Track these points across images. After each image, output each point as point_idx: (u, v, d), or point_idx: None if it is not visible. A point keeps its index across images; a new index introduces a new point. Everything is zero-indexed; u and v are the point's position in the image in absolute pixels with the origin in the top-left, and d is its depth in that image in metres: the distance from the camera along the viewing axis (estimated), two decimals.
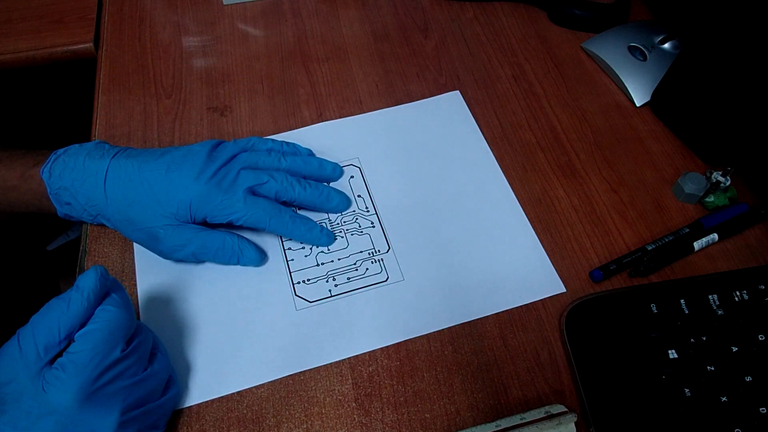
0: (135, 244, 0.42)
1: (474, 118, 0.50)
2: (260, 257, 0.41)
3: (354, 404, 0.37)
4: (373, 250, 0.43)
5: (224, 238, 0.40)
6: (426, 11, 0.58)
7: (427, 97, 0.51)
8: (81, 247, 0.43)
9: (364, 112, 0.50)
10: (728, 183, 0.45)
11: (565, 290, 0.41)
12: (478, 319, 0.40)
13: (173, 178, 0.38)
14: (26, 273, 0.62)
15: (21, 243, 0.79)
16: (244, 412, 0.36)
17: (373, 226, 0.44)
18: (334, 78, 0.53)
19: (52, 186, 0.39)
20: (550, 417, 0.34)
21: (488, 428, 0.34)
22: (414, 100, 0.51)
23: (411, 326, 0.39)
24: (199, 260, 0.41)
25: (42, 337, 0.30)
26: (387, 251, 0.43)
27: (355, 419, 0.36)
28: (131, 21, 0.57)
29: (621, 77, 0.52)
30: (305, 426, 0.36)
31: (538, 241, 0.43)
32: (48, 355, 0.29)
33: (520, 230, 0.44)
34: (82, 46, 0.55)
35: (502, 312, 0.40)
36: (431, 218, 0.44)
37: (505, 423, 0.34)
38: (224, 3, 0.58)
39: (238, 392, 0.37)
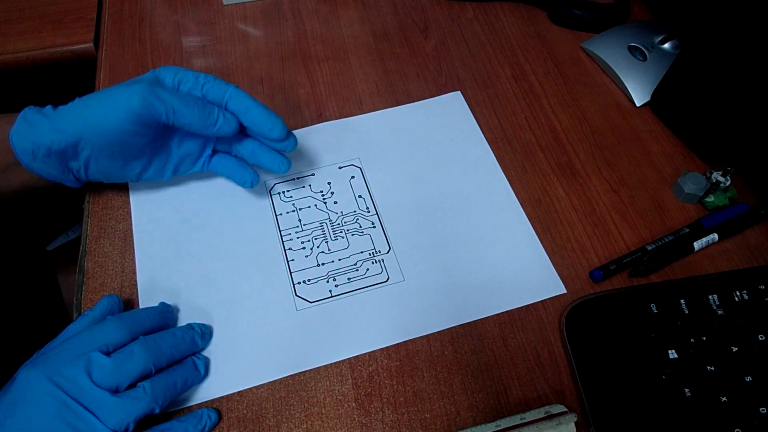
0: (135, 245, 0.42)
1: (474, 118, 0.50)
2: (237, 124, 0.39)
3: (354, 404, 0.37)
4: (374, 251, 0.43)
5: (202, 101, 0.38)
6: (426, 11, 0.58)
7: (427, 97, 0.51)
8: (81, 248, 0.43)
9: (364, 112, 0.50)
10: (728, 183, 0.45)
11: (565, 291, 0.41)
12: (478, 320, 0.40)
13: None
14: (26, 273, 0.62)
15: (21, 243, 0.79)
16: (244, 412, 0.36)
17: (374, 227, 0.44)
18: (334, 78, 0.53)
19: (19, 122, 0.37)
20: (550, 417, 0.34)
21: (488, 428, 0.34)
22: (414, 100, 0.51)
23: (411, 327, 0.39)
24: (174, 120, 0.37)
25: None
26: (387, 252, 0.43)
27: (355, 419, 0.36)
28: (131, 21, 0.57)
29: (621, 77, 0.52)
30: (305, 426, 0.36)
31: (539, 242, 0.43)
32: None
33: (521, 231, 0.44)
34: (82, 46, 0.55)
35: (503, 312, 0.40)
36: (432, 219, 0.44)
37: (505, 423, 0.34)
38: (224, 3, 0.58)
39: (238, 392, 0.37)
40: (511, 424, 0.34)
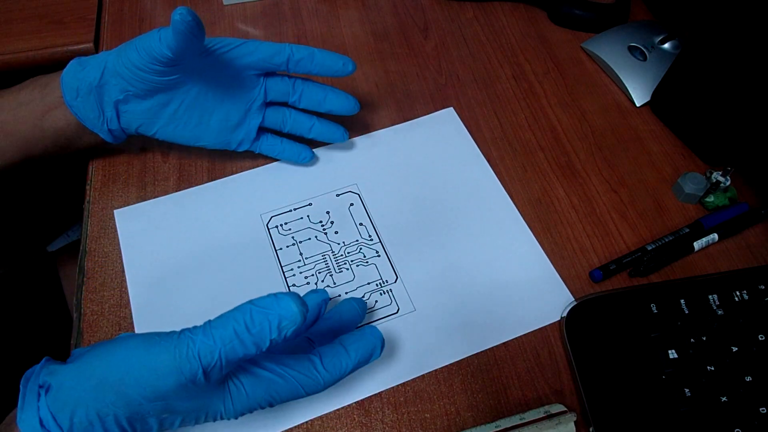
0: (128, 278, 0.41)
1: (474, 119, 0.50)
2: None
3: (354, 404, 0.37)
4: (381, 281, 0.41)
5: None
6: (426, 11, 0.58)
7: (426, 97, 0.51)
8: (81, 248, 0.43)
9: (363, 113, 0.50)
10: (728, 183, 0.45)
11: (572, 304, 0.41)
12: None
13: None
14: (27, 274, 0.62)
15: (21, 243, 0.79)
16: None
17: (379, 256, 0.42)
18: (334, 78, 0.53)
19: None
20: (550, 417, 0.34)
21: (488, 428, 0.34)
22: (413, 100, 0.51)
23: (424, 361, 0.38)
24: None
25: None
26: (395, 281, 0.41)
27: (355, 419, 0.36)
28: (131, 21, 0.57)
29: (621, 77, 0.52)
30: (305, 426, 0.36)
31: (545, 255, 0.42)
32: None
33: (525, 246, 0.42)
34: (82, 46, 0.55)
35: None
36: (436, 243, 0.43)
37: (505, 423, 0.35)
38: (224, 3, 0.58)
39: None
40: (510, 424, 0.34)
